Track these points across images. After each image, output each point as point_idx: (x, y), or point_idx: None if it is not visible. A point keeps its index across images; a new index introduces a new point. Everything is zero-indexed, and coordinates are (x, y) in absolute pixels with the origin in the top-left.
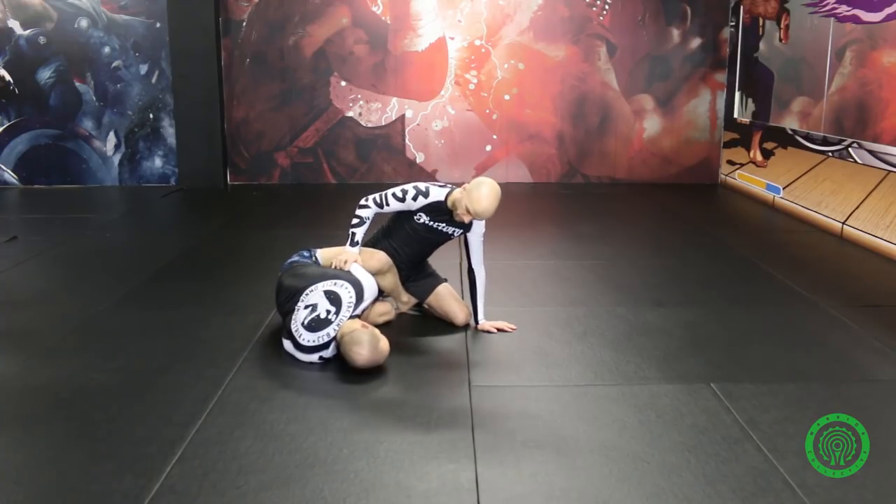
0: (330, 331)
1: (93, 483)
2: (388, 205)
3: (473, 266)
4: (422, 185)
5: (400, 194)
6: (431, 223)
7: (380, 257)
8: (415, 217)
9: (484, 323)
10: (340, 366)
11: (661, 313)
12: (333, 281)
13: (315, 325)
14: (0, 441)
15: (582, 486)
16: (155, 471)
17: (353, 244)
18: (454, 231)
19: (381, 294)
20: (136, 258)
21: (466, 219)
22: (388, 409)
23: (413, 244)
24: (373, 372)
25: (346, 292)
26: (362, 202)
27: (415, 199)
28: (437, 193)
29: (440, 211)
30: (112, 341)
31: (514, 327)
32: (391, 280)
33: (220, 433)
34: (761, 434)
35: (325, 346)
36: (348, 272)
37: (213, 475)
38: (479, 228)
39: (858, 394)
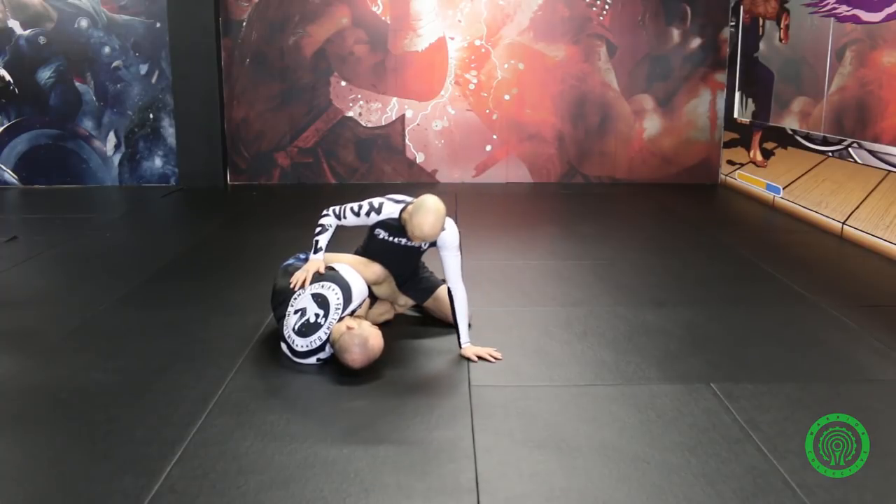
0: (321, 334)
1: (93, 483)
2: (345, 217)
3: (450, 285)
4: (376, 201)
5: (356, 208)
6: (391, 239)
7: (375, 269)
8: (374, 233)
9: (467, 349)
10: (339, 366)
11: (661, 313)
12: (321, 283)
13: (306, 330)
14: (0, 441)
15: (582, 486)
16: (155, 471)
17: (317, 251)
18: (421, 244)
19: (374, 298)
20: (136, 258)
21: (414, 241)
22: (389, 409)
23: (387, 258)
24: (373, 372)
25: (333, 294)
26: (324, 212)
27: (368, 214)
28: (389, 210)
29: (396, 227)
30: (112, 341)
31: (500, 357)
32: (387, 289)
33: (220, 433)
34: (761, 434)
35: (320, 348)
36: (336, 273)
37: (213, 475)
38: (450, 241)
39: (858, 394)
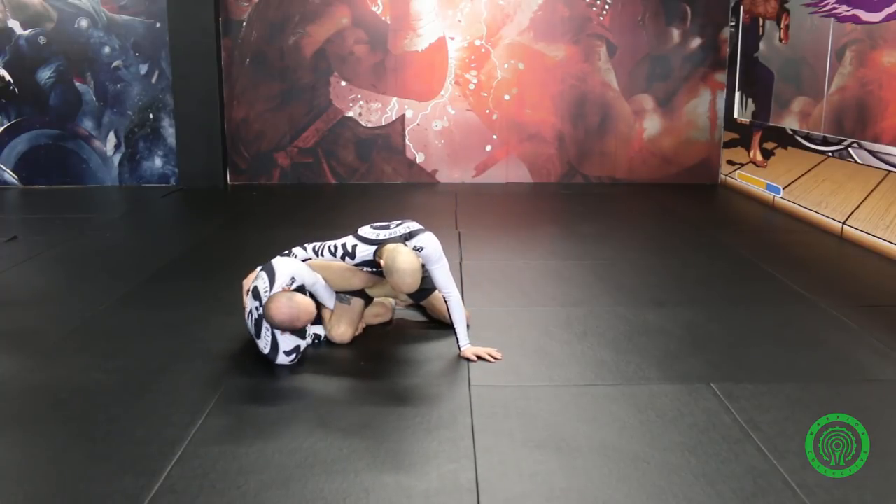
0: (266, 324)
1: (93, 483)
2: (322, 256)
3: (443, 293)
4: (350, 244)
5: (333, 250)
6: (373, 271)
7: (362, 276)
8: (359, 266)
9: (466, 349)
10: (340, 366)
11: (661, 313)
12: (256, 276)
13: (256, 329)
14: (0, 441)
15: (582, 486)
16: (155, 471)
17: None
18: None
19: (370, 299)
20: (136, 258)
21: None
22: (389, 409)
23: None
24: (373, 372)
25: (261, 282)
26: (304, 244)
27: (343, 258)
28: (363, 253)
29: (376, 264)
30: (112, 341)
31: (500, 357)
32: (384, 289)
33: (220, 433)
34: (761, 434)
35: (276, 342)
36: (268, 262)
37: (213, 475)
38: (432, 256)
39: (858, 394)
